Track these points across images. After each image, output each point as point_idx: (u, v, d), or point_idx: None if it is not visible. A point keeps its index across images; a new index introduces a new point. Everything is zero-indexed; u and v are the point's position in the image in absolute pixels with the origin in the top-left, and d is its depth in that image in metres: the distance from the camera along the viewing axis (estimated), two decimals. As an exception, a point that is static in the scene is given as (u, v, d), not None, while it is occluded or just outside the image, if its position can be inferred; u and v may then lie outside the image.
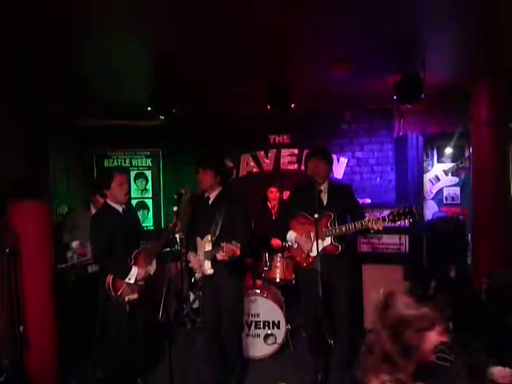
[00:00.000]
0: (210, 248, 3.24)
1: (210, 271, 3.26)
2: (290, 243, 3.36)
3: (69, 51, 3.50)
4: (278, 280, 4.40)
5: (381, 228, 3.01)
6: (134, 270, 3.15)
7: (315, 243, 3.03)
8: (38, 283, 3.25)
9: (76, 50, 3.47)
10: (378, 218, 3.02)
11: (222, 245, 3.06)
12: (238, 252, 3.01)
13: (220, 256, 3.07)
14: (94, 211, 4.38)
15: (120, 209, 3.29)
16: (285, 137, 6.05)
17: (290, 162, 6.03)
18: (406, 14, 3.02)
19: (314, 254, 3.12)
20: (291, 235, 3.33)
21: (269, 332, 4.00)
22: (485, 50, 3.76)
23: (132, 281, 3.14)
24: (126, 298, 3.14)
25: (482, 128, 4.35)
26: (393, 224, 4.65)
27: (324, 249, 3.15)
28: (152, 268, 3.33)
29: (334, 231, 3.14)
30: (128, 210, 3.42)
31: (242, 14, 2.94)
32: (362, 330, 4.66)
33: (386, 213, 3.08)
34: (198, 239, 3.38)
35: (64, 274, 3.64)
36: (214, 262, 3.23)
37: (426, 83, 3.95)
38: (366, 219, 3.06)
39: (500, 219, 4.25)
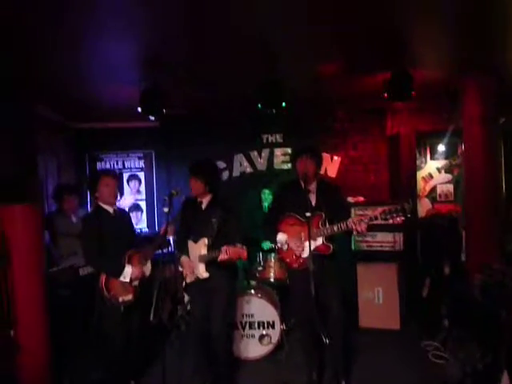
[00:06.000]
0: (205, 251, 3.21)
1: (205, 274, 3.23)
2: (279, 245, 3.28)
3: (58, 53, 3.48)
4: (272, 280, 4.39)
5: (364, 230, 2.94)
6: (128, 269, 3.12)
7: (306, 244, 3.00)
8: (29, 287, 3.21)
9: (65, 51, 3.45)
10: (360, 220, 2.95)
11: (222, 248, 3.03)
12: (245, 254, 3.02)
13: (222, 257, 3.04)
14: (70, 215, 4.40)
15: (111, 210, 3.28)
16: (277, 136, 6.04)
17: (283, 162, 6.01)
18: (394, 11, 3.02)
19: (305, 255, 3.09)
20: (281, 237, 3.25)
21: (264, 332, 3.99)
22: (474, 47, 3.77)
23: (127, 279, 3.10)
24: (120, 299, 3.10)
25: (474, 125, 4.35)
26: (387, 222, 4.77)
27: (315, 249, 3.10)
28: (147, 269, 3.30)
29: (325, 231, 3.10)
30: (120, 211, 3.41)
31: (234, 13, 2.94)
32: (357, 328, 4.67)
33: (375, 212, 3.00)
34: (191, 243, 3.35)
35: (55, 277, 3.62)
36: (209, 266, 3.21)
37: (416, 81, 3.96)
38: (350, 220, 2.99)
39: (492, 215, 4.25)
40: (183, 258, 3.37)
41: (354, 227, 2.96)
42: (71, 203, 4.44)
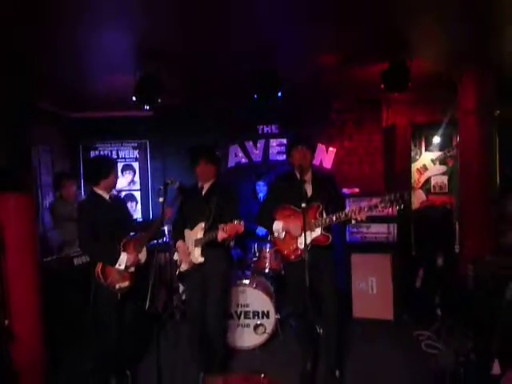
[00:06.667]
0: (201, 236, 3.22)
1: (200, 259, 3.24)
2: (276, 234, 3.25)
3: (53, 43, 3.44)
4: (267, 270, 4.41)
5: (364, 218, 2.96)
6: (124, 256, 3.11)
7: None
8: (23, 276, 3.20)
9: (60, 41, 3.41)
10: (361, 209, 2.96)
11: (219, 226, 3.04)
12: (242, 229, 3.02)
13: (220, 236, 3.06)
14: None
15: (107, 197, 3.25)
16: (273, 127, 6.02)
17: (278, 152, 6.00)
18: (392, 4, 3.00)
19: (302, 246, 3.05)
20: (277, 225, 3.21)
21: (258, 322, 4.01)
22: (471, 39, 3.76)
23: (122, 267, 3.10)
24: (117, 286, 3.11)
25: (469, 116, 4.36)
26: (381, 213, 4.78)
27: (314, 239, 3.11)
28: (142, 256, 3.29)
29: (323, 221, 3.08)
30: (115, 197, 3.39)
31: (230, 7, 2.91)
32: (351, 318, 4.71)
33: (374, 201, 3.00)
34: (187, 230, 3.35)
35: (50, 266, 3.61)
36: (204, 250, 3.22)
37: (413, 72, 3.95)
38: (349, 210, 3.00)
39: (486, 207, 4.28)
40: (179, 243, 3.38)
41: (353, 216, 2.97)
42: (71, 188, 4.46)
